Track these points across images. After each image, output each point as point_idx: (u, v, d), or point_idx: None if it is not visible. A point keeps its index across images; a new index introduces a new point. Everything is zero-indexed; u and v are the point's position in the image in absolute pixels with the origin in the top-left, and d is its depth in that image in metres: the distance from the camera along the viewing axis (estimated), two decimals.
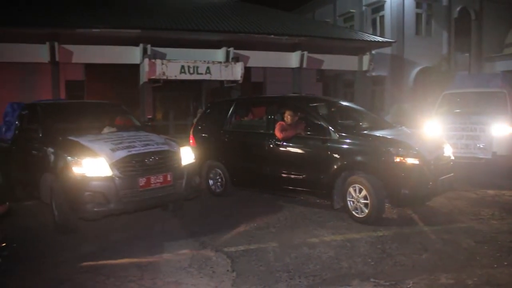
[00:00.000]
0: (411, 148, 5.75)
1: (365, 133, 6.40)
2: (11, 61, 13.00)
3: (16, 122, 7.27)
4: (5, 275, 4.19)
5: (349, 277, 4.17)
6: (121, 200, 5.37)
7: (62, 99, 12.08)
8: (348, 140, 6.10)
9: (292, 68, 16.12)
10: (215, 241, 5.26)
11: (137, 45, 13.65)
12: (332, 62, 16.96)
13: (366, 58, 17.38)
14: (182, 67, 13.53)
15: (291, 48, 15.94)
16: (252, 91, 17.31)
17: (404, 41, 20.66)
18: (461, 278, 4.06)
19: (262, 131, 7.19)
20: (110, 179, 5.34)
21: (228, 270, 4.41)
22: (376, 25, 21.75)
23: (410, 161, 5.65)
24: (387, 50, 19.65)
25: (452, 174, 6.26)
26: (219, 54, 14.84)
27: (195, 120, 9.64)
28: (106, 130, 6.64)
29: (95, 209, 5.29)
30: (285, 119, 6.85)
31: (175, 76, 13.47)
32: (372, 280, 4.08)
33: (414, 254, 4.73)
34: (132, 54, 13.83)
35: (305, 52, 15.79)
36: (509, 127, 9.08)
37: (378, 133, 6.33)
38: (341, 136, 6.13)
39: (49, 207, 5.86)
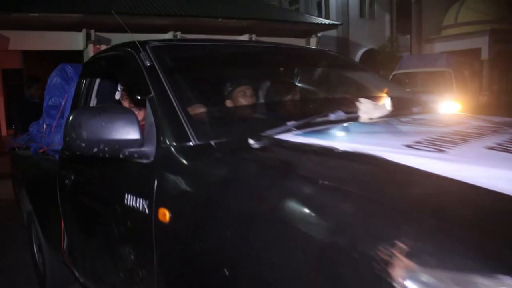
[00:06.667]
0: None
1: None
2: None
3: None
4: None
5: None
6: None
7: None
8: None
9: None
10: None
11: (79, 30, 13.00)
12: None
13: (313, 41, 17.53)
14: None
15: (240, 32, 15.70)
16: None
17: (349, 23, 21.02)
18: None
19: None
20: None
21: None
22: (322, 7, 21.99)
23: None
24: (332, 33, 19.89)
25: None
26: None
27: None
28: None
29: None
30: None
31: None
32: None
33: None
34: (74, 40, 13.18)
35: (253, 36, 15.61)
36: (456, 104, 9.43)
37: None
38: None
39: None
